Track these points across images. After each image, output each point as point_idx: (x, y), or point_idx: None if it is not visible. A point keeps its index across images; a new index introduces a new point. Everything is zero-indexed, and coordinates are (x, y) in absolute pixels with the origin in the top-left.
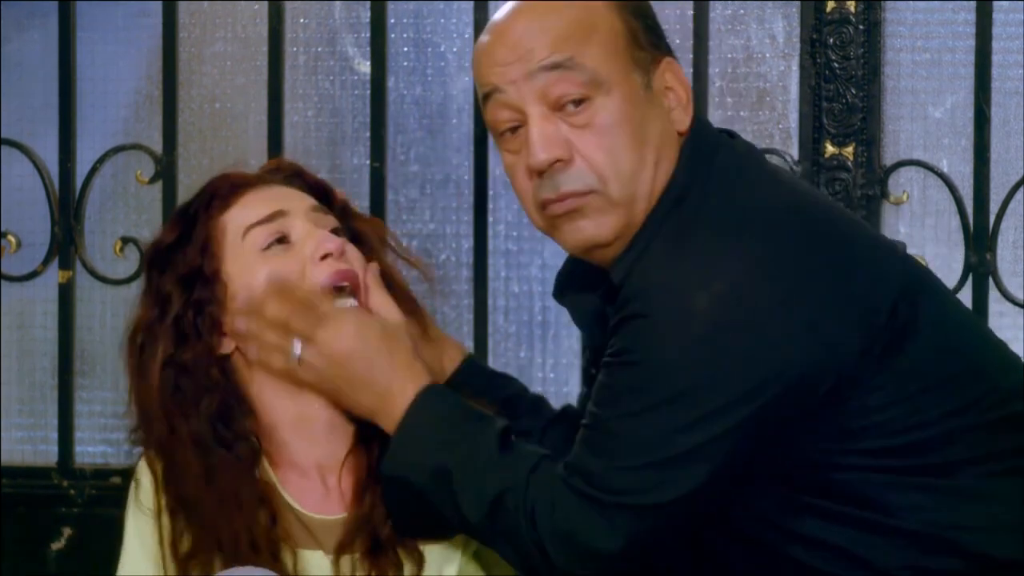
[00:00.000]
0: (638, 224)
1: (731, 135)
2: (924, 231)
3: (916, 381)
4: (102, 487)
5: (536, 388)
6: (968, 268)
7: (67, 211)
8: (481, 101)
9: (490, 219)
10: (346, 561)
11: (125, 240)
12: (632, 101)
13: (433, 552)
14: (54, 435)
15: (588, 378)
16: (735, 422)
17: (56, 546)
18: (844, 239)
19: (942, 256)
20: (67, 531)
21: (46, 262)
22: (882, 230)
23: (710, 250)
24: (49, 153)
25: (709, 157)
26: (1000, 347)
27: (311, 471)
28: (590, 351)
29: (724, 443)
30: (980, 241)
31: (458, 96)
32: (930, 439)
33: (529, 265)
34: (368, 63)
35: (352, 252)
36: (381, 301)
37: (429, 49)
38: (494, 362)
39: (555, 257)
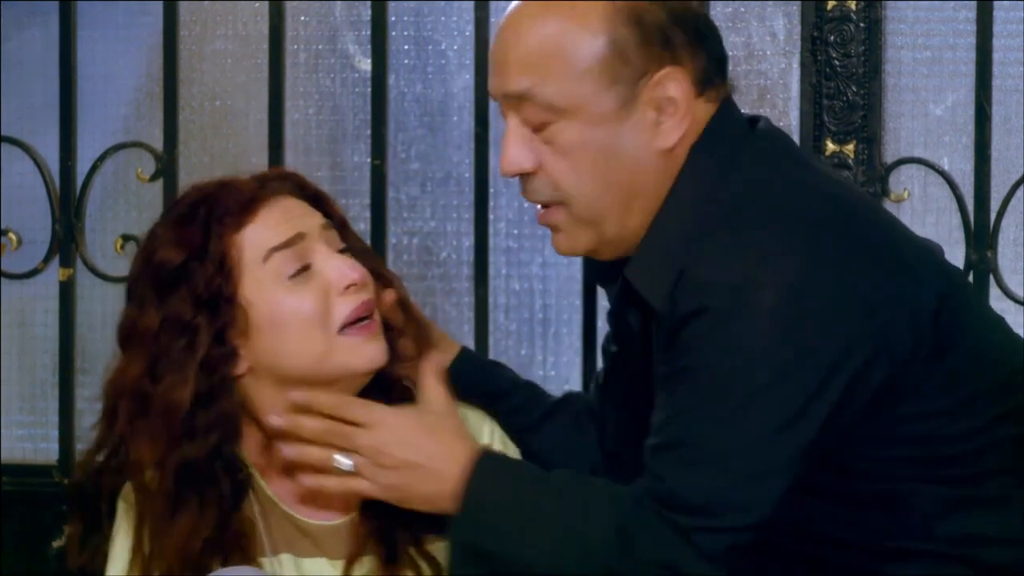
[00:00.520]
0: (631, 234)
1: (755, 121)
2: (925, 229)
3: (958, 389)
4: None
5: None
6: (969, 266)
7: (68, 209)
8: None
9: (491, 217)
10: (359, 566)
11: (126, 238)
12: (597, 123)
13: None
14: (55, 433)
15: (607, 355)
16: (816, 416)
17: (57, 544)
18: (887, 236)
19: None
20: (68, 529)
21: (47, 260)
22: None
23: (766, 247)
24: (50, 151)
25: (732, 154)
26: None
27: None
28: (612, 330)
29: (804, 444)
30: (981, 239)
31: (459, 94)
32: (968, 449)
33: (530, 263)
34: (369, 61)
35: (368, 275)
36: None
37: (430, 47)
38: (492, 354)
39: (556, 255)
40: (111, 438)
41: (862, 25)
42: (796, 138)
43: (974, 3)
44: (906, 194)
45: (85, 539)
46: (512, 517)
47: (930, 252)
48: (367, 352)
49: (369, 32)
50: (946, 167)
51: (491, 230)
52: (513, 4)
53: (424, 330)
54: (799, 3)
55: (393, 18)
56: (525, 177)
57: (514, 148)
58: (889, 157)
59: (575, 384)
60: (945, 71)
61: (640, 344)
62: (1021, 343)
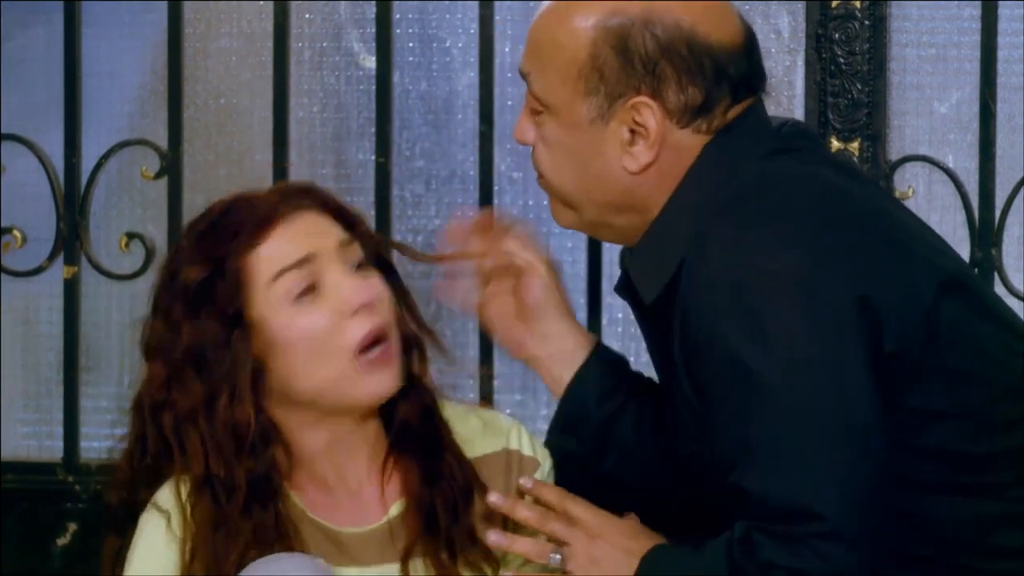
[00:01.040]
0: (621, 228)
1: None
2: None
3: (974, 390)
4: (107, 483)
5: (540, 384)
6: (973, 263)
7: (72, 206)
8: None
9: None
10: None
11: (130, 235)
12: (572, 127)
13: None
14: (59, 430)
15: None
16: (861, 387)
17: (61, 541)
18: (891, 224)
19: None
20: (72, 526)
21: (51, 257)
22: None
23: (768, 239)
24: (54, 148)
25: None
26: None
27: (336, 487)
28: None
29: (865, 419)
30: (985, 236)
31: (463, 92)
32: (987, 454)
33: None
34: (373, 59)
35: (383, 295)
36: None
37: (434, 44)
38: (499, 357)
39: (559, 252)
40: (150, 452)
41: (867, 23)
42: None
43: (979, 1)
44: (911, 192)
45: (119, 553)
46: None
47: (937, 245)
48: (379, 381)
49: (374, 30)
50: (951, 165)
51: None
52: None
53: (434, 339)
54: (804, 1)
55: (398, 16)
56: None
57: (522, 120)
58: (894, 155)
59: None
60: (950, 69)
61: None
62: None
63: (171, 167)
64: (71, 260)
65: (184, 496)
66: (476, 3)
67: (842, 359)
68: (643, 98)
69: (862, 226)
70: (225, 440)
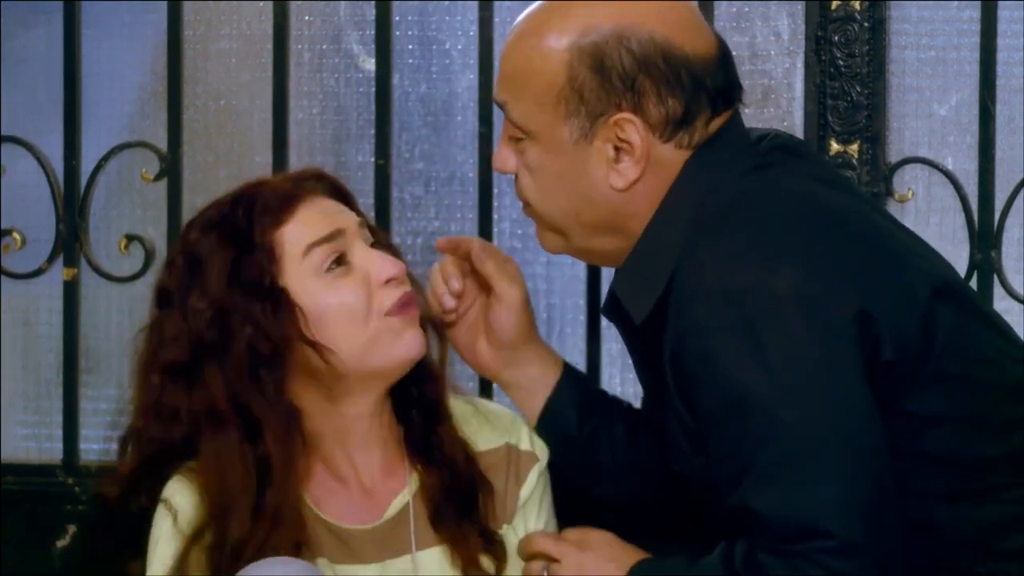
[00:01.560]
0: (608, 251)
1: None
2: (929, 229)
3: (972, 394)
4: (111, 481)
5: None
6: (973, 265)
7: (72, 208)
8: None
9: (495, 216)
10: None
11: (130, 237)
12: (555, 150)
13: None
14: (59, 432)
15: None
16: (858, 398)
17: (61, 543)
18: (878, 232)
19: (947, 253)
20: (71, 528)
21: (51, 259)
22: None
23: (755, 253)
24: (54, 150)
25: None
26: None
27: (350, 480)
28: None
29: (865, 433)
30: (985, 238)
31: (463, 93)
32: (985, 458)
33: (534, 263)
34: (373, 60)
35: (405, 271)
36: None
37: (434, 46)
38: None
39: (559, 256)
40: (157, 448)
41: (866, 25)
42: (800, 138)
43: (978, 3)
44: (910, 194)
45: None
46: None
47: (926, 254)
48: (410, 339)
49: (373, 31)
50: (950, 167)
51: (495, 230)
52: (525, 11)
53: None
54: (803, 3)
55: (397, 18)
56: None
57: (502, 149)
58: (893, 157)
59: None
60: (949, 71)
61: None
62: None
63: (171, 169)
64: (71, 262)
65: (194, 488)
66: (476, 5)
67: (842, 375)
68: (625, 114)
69: (852, 238)
70: (258, 421)
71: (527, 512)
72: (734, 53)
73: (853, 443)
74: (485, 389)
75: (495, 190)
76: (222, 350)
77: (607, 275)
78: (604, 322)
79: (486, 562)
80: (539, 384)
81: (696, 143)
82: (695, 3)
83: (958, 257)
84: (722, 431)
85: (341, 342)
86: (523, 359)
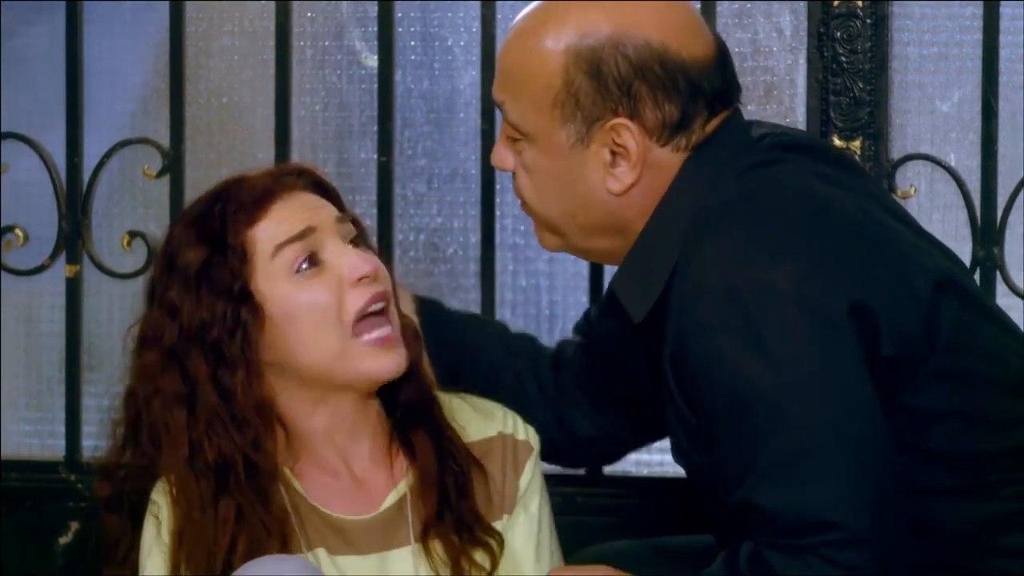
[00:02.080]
0: (606, 250)
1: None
2: (931, 225)
3: (976, 389)
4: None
5: None
6: (975, 262)
7: (74, 205)
8: None
9: (497, 213)
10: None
11: (132, 234)
12: (552, 153)
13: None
14: (61, 429)
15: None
16: (861, 391)
17: (63, 540)
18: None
19: None
20: (74, 525)
21: (53, 256)
22: None
23: (757, 249)
24: (56, 147)
25: (720, 174)
26: None
27: (341, 472)
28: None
29: (868, 430)
30: (987, 235)
31: (465, 90)
32: (988, 454)
33: (536, 259)
34: (375, 57)
35: (382, 268)
36: None
37: (436, 43)
38: None
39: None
40: (141, 444)
41: (868, 21)
42: (806, 132)
43: (980, 0)
44: (912, 190)
45: (130, 540)
46: None
47: (929, 248)
48: (384, 362)
49: (376, 28)
50: (953, 163)
51: (497, 226)
52: (523, 11)
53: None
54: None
55: (400, 14)
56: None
57: (499, 147)
58: (896, 153)
59: None
60: (952, 67)
61: (613, 350)
62: None
63: (173, 166)
64: (73, 259)
65: (171, 489)
66: (478, 2)
67: (843, 370)
68: (621, 120)
69: (852, 234)
70: (222, 418)
71: (527, 501)
72: (736, 50)
73: (856, 438)
74: None
75: (497, 186)
76: (193, 349)
77: (609, 272)
78: None
79: (480, 555)
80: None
81: (694, 144)
82: (695, 2)
83: (960, 254)
84: (725, 429)
85: (311, 345)
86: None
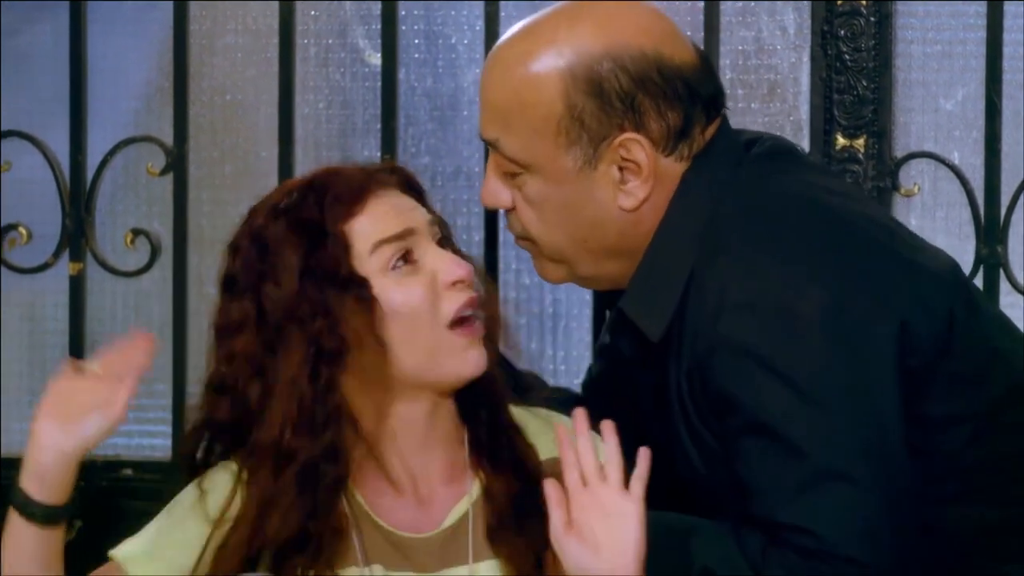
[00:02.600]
0: (613, 274)
1: (752, 143)
2: (935, 223)
3: (985, 392)
4: (113, 479)
5: (547, 380)
6: (979, 260)
7: (78, 203)
8: None
9: (500, 211)
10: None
11: (136, 232)
12: (559, 180)
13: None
14: None
15: (598, 351)
16: (892, 408)
17: (67, 538)
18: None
19: (953, 248)
20: (77, 523)
21: (57, 254)
22: None
23: (775, 267)
24: (60, 145)
25: (722, 184)
26: None
27: (405, 486)
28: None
29: (897, 449)
30: (991, 233)
31: (469, 88)
32: (995, 457)
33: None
34: (379, 55)
35: (473, 274)
36: None
37: (440, 41)
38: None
39: None
40: (217, 432)
41: (872, 19)
42: (806, 132)
43: None
44: (916, 189)
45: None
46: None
47: (936, 256)
48: (472, 357)
49: (379, 27)
50: (956, 162)
51: (501, 224)
52: (499, 41)
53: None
54: None
55: (403, 12)
56: (507, 211)
57: (491, 185)
58: (899, 152)
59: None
60: (955, 65)
61: (630, 371)
62: None
63: (176, 164)
64: (76, 257)
65: (241, 474)
66: (481, 1)
67: (874, 392)
68: (628, 134)
69: (872, 250)
70: (308, 416)
71: None
72: (740, 48)
73: (883, 464)
74: None
75: None
76: (290, 341)
77: None
78: None
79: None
80: None
81: (693, 153)
82: (699, 1)
83: (964, 252)
84: (749, 448)
85: (403, 343)
86: None
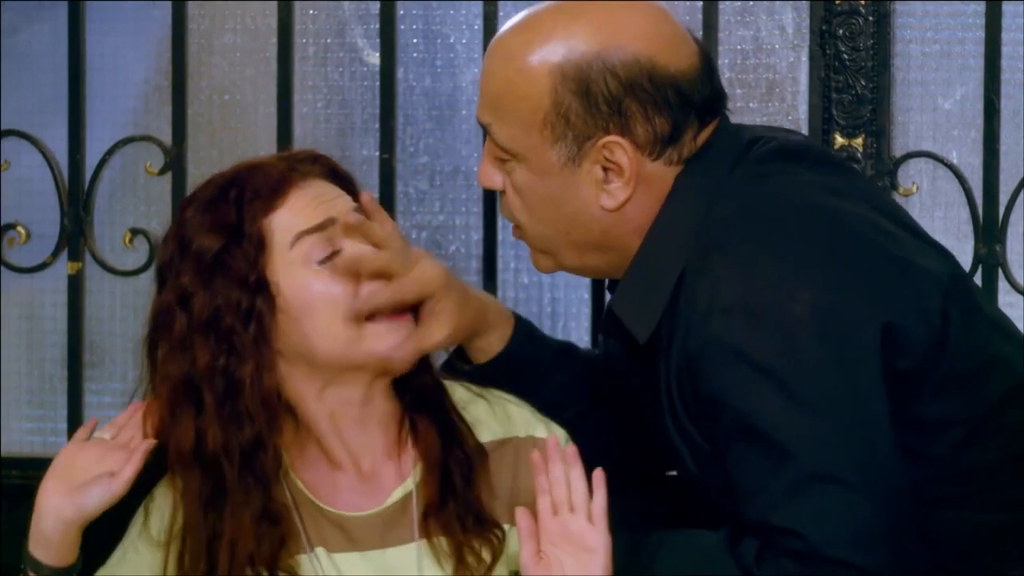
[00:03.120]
0: (602, 267)
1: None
2: (933, 223)
3: (981, 394)
4: None
5: None
6: (977, 259)
7: (76, 202)
8: None
9: (500, 214)
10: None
11: (134, 231)
12: (543, 173)
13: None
14: (63, 427)
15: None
16: (879, 408)
17: None
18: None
19: (951, 248)
20: None
21: (55, 253)
22: None
23: (768, 267)
24: (58, 144)
25: (717, 184)
26: None
27: (347, 464)
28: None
29: (888, 454)
30: (989, 232)
31: (467, 87)
32: (993, 461)
33: None
34: (377, 54)
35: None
36: None
37: (439, 40)
38: None
39: None
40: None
41: (871, 19)
42: (805, 132)
43: None
44: (915, 188)
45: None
46: None
47: (937, 256)
48: (393, 339)
49: (378, 26)
50: (955, 161)
51: (499, 224)
52: (504, 27)
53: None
54: None
55: (402, 12)
56: (500, 194)
57: (486, 166)
58: (898, 151)
59: None
60: (954, 65)
61: (624, 368)
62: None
63: (175, 163)
64: (75, 256)
65: (176, 483)
66: (480, 0)
67: (863, 394)
68: (612, 137)
69: (864, 251)
70: (228, 412)
71: None
72: (738, 47)
73: (875, 467)
74: None
75: None
76: (203, 338)
77: None
78: None
79: (485, 553)
80: (496, 346)
81: (686, 157)
82: (698, 1)
83: (962, 251)
84: (740, 451)
85: (325, 332)
86: (478, 331)
